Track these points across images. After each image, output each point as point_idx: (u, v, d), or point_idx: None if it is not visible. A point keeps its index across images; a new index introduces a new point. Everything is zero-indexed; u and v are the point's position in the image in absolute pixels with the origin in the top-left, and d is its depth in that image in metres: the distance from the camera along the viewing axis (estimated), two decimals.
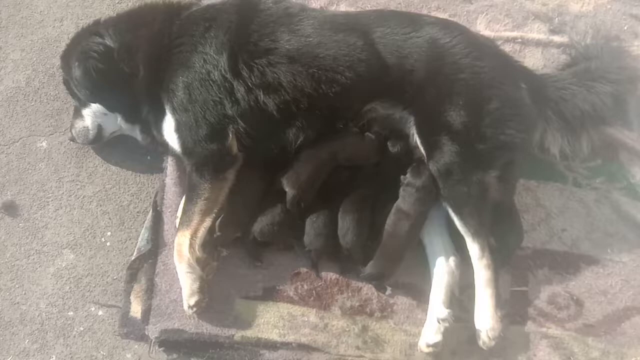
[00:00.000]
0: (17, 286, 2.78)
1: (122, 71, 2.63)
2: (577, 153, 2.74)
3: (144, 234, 2.80)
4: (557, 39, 3.05)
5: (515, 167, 2.65)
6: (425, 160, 2.60)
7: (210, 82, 2.55)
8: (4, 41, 3.16)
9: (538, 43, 3.04)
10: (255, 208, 2.70)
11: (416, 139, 2.60)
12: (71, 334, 2.70)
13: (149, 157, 2.95)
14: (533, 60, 3.02)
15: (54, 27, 3.17)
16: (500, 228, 2.64)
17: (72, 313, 2.74)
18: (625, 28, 3.08)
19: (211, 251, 2.65)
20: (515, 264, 2.76)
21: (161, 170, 2.91)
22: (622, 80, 2.68)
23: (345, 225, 2.62)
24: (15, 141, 3.00)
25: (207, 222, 2.59)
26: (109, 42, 2.65)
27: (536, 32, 3.07)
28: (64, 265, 2.80)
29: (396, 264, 2.65)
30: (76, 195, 2.91)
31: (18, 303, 2.76)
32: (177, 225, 2.74)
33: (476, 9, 3.13)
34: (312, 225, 2.66)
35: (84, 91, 2.68)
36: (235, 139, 2.59)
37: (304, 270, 2.74)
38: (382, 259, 2.63)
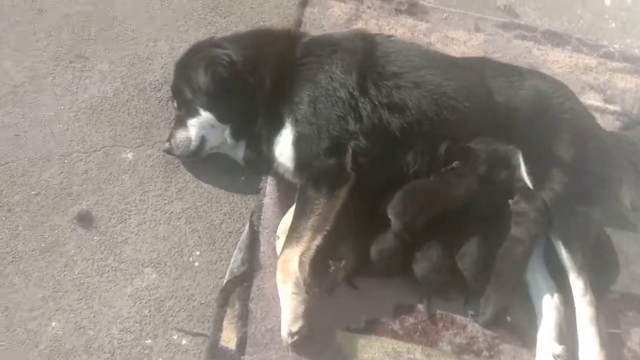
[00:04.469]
0: (84, 307, 2.39)
1: (246, 82, 2.63)
2: None
3: (237, 255, 2.58)
4: (611, 107, 3.43)
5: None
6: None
7: (336, 98, 2.59)
8: (91, 52, 3.02)
9: (596, 109, 3.35)
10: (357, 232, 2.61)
11: (523, 171, 2.71)
12: None
13: (243, 178, 2.80)
14: None
15: (146, 46, 3.10)
16: (600, 264, 2.70)
17: (150, 341, 2.36)
18: None
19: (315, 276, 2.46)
20: (606, 306, 2.76)
21: (256, 191, 2.77)
22: None
23: (470, 251, 2.58)
24: (97, 150, 2.75)
25: (318, 240, 2.46)
26: (232, 54, 2.65)
27: (593, 99, 3.43)
28: (144, 286, 2.47)
29: (511, 293, 2.59)
30: (162, 211, 2.65)
31: (84, 327, 2.35)
32: (276, 247, 2.59)
33: None
34: (425, 257, 2.56)
35: (203, 98, 2.62)
36: (351, 156, 2.57)
37: (407, 302, 2.60)
38: (499, 295, 2.56)
